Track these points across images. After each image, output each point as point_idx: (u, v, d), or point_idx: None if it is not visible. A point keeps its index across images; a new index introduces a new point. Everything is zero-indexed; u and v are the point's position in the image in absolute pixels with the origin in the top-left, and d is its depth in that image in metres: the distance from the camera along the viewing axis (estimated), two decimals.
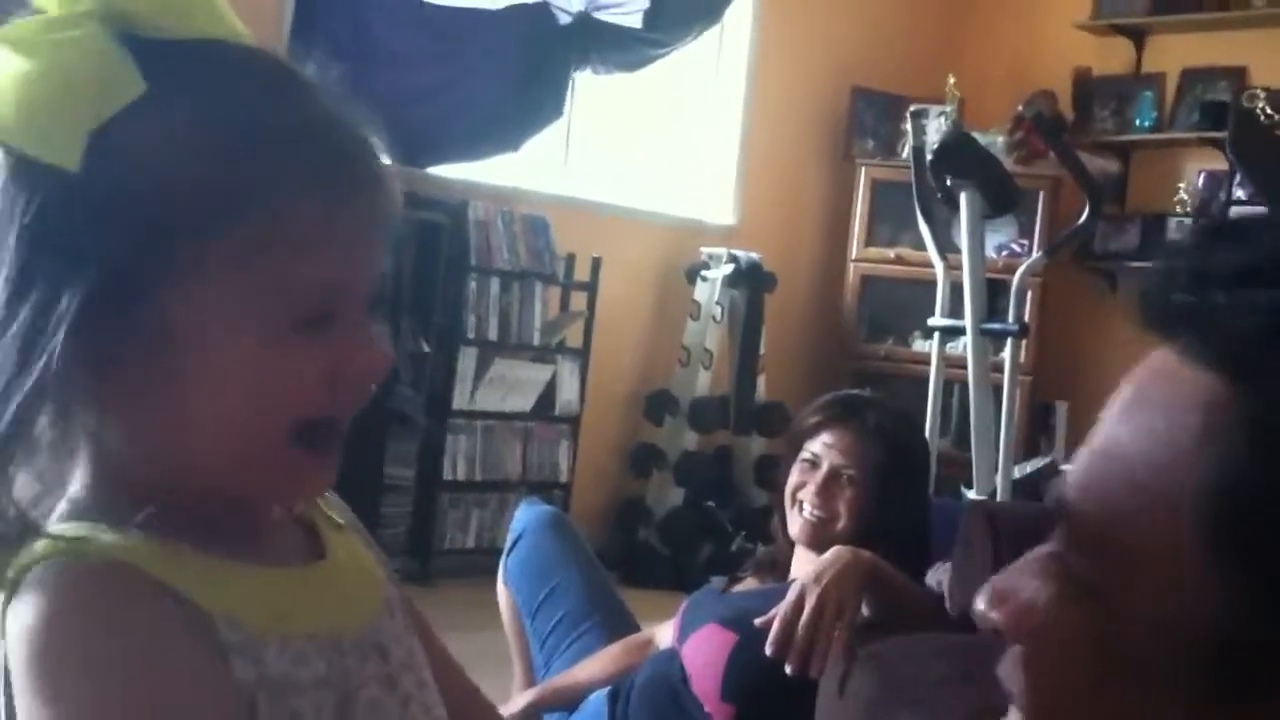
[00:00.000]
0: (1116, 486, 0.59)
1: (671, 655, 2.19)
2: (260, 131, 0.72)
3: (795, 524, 2.20)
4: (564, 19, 5.32)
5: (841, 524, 2.16)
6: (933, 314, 4.59)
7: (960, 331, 4.44)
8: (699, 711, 2.08)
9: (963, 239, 4.31)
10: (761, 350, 5.71)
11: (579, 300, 5.29)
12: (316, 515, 0.86)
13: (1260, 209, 5.44)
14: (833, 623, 1.83)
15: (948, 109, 5.79)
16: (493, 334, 4.97)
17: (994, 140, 5.72)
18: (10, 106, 0.69)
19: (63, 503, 0.74)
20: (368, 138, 0.77)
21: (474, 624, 2.97)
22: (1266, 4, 5.84)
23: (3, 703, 0.70)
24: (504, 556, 2.67)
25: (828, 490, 2.18)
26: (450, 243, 4.89)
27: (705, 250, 5.71)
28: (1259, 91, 5.58)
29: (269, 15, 4.52)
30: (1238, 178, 5.72)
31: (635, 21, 5.47)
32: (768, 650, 1.86)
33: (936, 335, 4.56)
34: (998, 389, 4.32)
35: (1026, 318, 5.02)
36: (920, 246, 5.04)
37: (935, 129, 5.46)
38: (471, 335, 4.91)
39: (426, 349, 4.86)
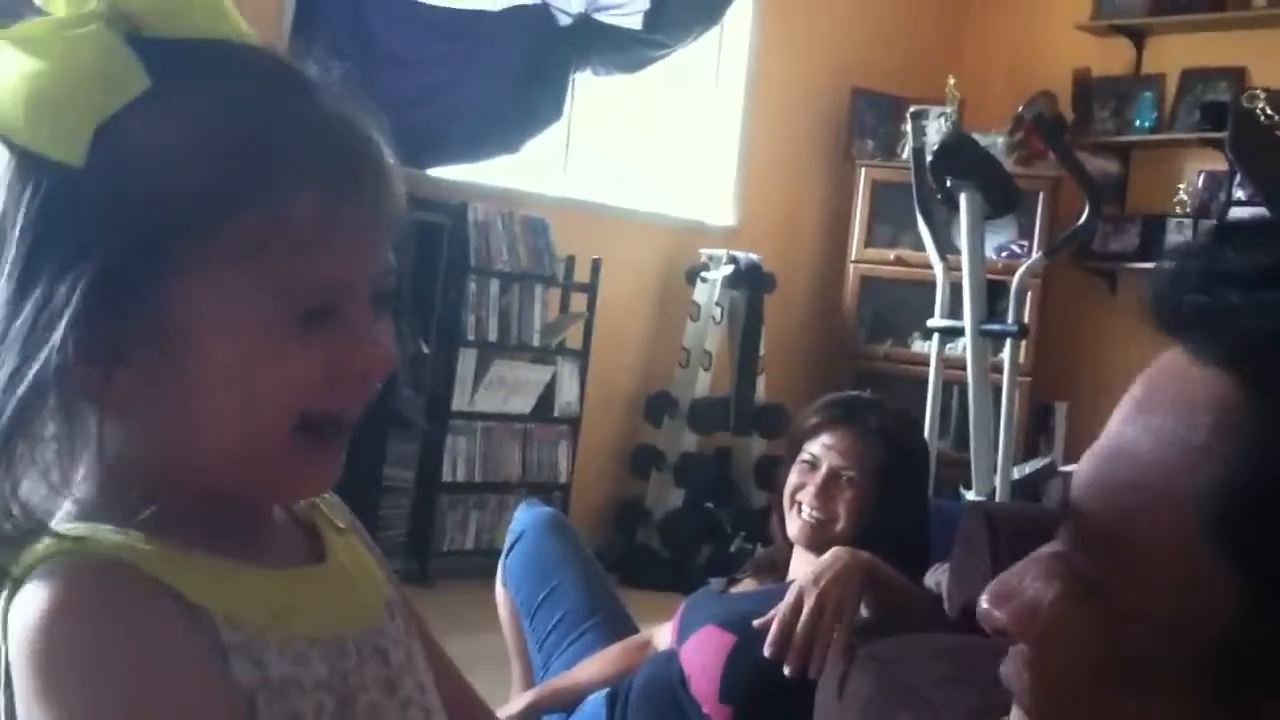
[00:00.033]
0: (1123, 486, 0.59)
1: (670, 656, 2.19)
2: (260, 131, 0.72)
3: (794, 525, 2.20)
4: (564, 20, 5.32)
5: (841, 525, 2.16)
6: (932, 315, 4.60)
7: (960, 332, 4.45)
8: (697, 713, 2.08)
9: (962, 240, 4.31)
10: (761, 351, 5.71)
11: (579, 302, 5.29)
12: (318, 518, 0.86)
13: (1260, 209, 5.45)
14: (831, 623, 1.83)
15: (948, 110, 5.79)
16: (492, 335, 4.97)
17: (994, 141, 5.73)
18: (19, 106, 0.70)
19: (68, 503, 0.75)
20: (371, 136, 0.77)
21: (473, 625, 2.97)
22: (1266, 4, 5.84)
23: (3, 702, 0.70)
24: (503, 558, 2.67)
25: (827, 491, 2.18)
26: (450, 244, 4.90)
27: (705, 251, 5.71)
28: (1259, 92, 5.58)
29: (270, 16, 4.52)
30: (1238, 178, 5.72)
31: (635, 23, 5.47)
32: (766, 651, 1.86)
33: (936, 336, 4.57)
34: (997, 390, 4.33)
35: (1026, 319, 5.02)
36: (920, 247, 5.05)
37: (935, 130, 5.46)
38: (471, 337, 4.91)
39: (426, 350, 4.87)
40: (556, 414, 5.17)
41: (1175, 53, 6.14)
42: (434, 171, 4.99)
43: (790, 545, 2.24)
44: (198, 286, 0.72)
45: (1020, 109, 5.91)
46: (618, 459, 5.65)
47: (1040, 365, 5.98)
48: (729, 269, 5.58)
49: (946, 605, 1.94)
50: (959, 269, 4.36)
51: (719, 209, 6.03)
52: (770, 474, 5.09)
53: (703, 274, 5.65)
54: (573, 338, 5.23)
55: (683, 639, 2.18)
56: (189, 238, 0.71)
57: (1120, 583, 0.59)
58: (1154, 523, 0.58)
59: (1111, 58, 6.31)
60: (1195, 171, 6.05)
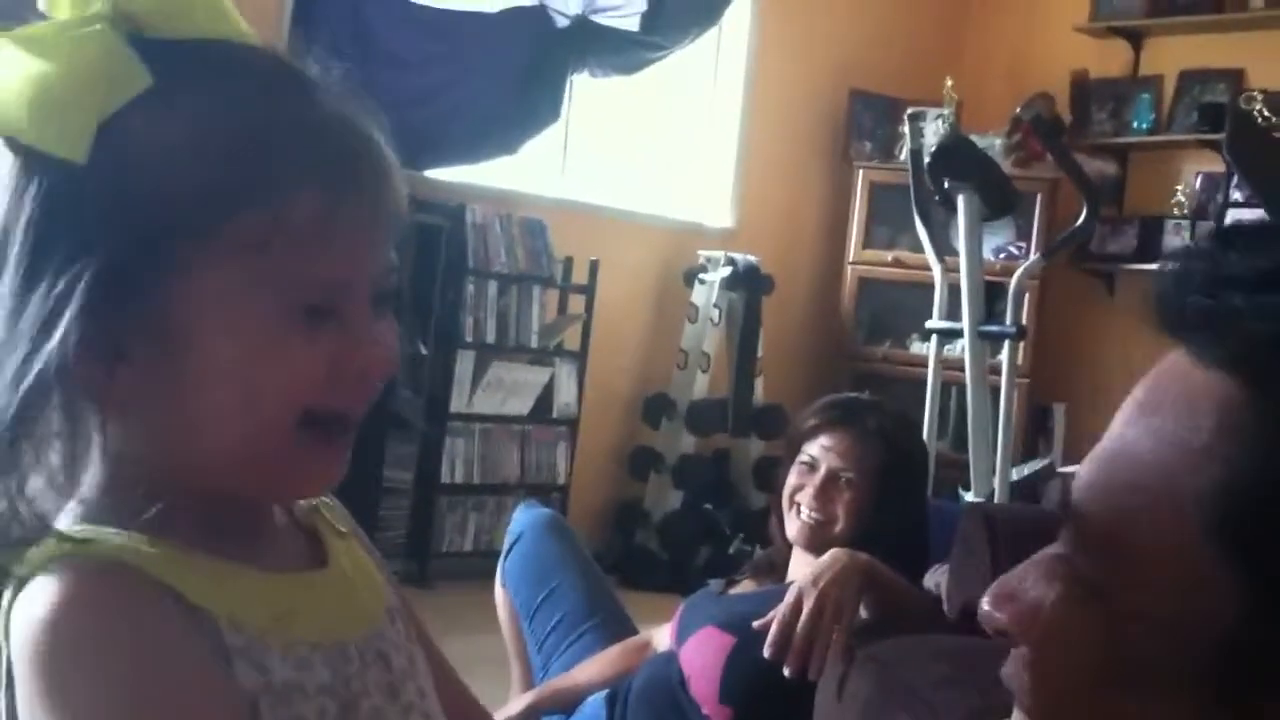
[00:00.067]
0: (1124, 487, 0.60)
1: (669, 658, 2.19)
2: (261, 130, 0.73)
3: (793, 526, 2.20)
4: (561, 22, 5.32)
5: (839, 526, 2.16)
6: (930, 316, 4.60)
7: (958, 334, 4.45)
8: (697, 714, 2.08)
9: (960, 241, 4.32)
10: (759, 353, 5.71)
11: (577, 303, 5.29)
12: (319, 522, 0.86)
13: (1258, 211, 5.45)
14: (831, 625, 1.83)
15: (945, 111, 5.80)
16: (491, 337, 4.97)
17: (992, 143, 5.73)
18: (24, 106, 0.71)
19: (73, 504, 0.75)
20: (371, 135, 0.77)
21: (472, 626, 2.97)
22: (1264, 6, 5.84)
23: (4, 702, 0.70)
24: (502, 559, 2.67)
25: (826, 493, 2.18)
26: (448, 246, 4.90)
27: (703, 253, 5.71)
28: (1256, 93, 5.59)
29: (270, 16, 4.52)
30: (1235, 180, 5.72)
31: (633, 24, 5.47)
32: (766, 652, 1.86)
33: (934, 337, 4.57)
34: (995, 391, 4.33)
35: (1024, 320, 5.02)
36: (918, 249, 5.05)
37: (933, 131, 5.47)
38: (469, 338, 4.91)
39: (424, 352, 4.87)
40: (555, 415, 5.17)
41: (1173, 54, 6.15)
42: (432, 173, 4.99)
43: (789, 546, 2.24)
44: (199, 285, 0.72)
45: (1018, 110, 5.93)
46: (616, 460, 5.65)
47: (1038, 366, 5.98)
48: (727, 270, 5.58)
49: (945, 606, 1.94)
50: (957, 270, 4.36)
51: (717, 210, 6.03)
52: (769, 475, 5.09)
53: (701, 275, 5.65)
54: (571, 339, 5.23)
55: (682, 640, 2.18)
56: (190, 238, 0.71)
57: (1121, 584, 0.59)
58: (1155, 524, 0.58)
59: (1109, 59, 6.31)
60: (1193, 173, 6.05)
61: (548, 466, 5.16)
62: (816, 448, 2.21)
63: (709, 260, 5.66)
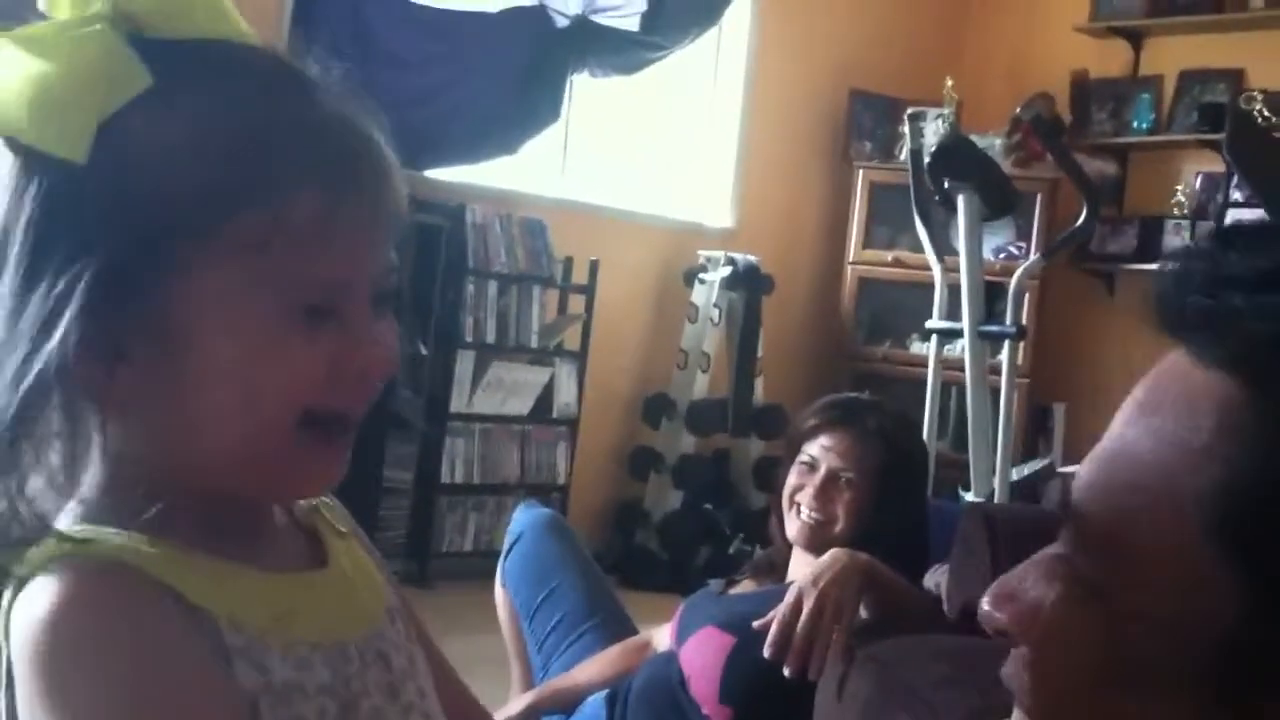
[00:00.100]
0: (1124, 487, 0.60)
1: (669, 658, 2.19)
2: (261, 130, 0.73)
3: (793, 526, 2.20)
4: (561, 22, 5.32)
5: (839, 526, 2.16)
6: (930, 316, 4.60)
7: (958, 334, 4.45)
8: (697, 714, 2.08)
9: (960, 241, 4.32)
10: (759, 353, 5.71)
11: (577, 303, 5.29)
12: (319, 522, 0.86)
13: (1258, 211, 5.45)
14: (831, 625, 1.83)
15: (945, 111, 5.80)
16: (491, 337, 4.97)
17: (992, 143, 5.73)
18: (24, 106, 0.71)
19: (73, 504, 0.75)
20: (371, 135, 0.77)
21: (472, 626, 2.97)
22: (1264, 6, 5.84)
23: (4, 702, 0.70)
24: (502, 559, 2.67)
25: (826, 493, 2.18)
26: (448, 246, 4.90)
27: (703, 253, 5.71)
28: (1256, 93, 5.59)
29: (270, 16, 4.53)
30: (1235, 180, 5.72)
31: (633, 24, 5.47)
32: (766, 652, 1.86)
33: (934, 337, 4.57)
34: (995, 391, 4.33)
35: (1024, 320, 5.03)
36: (918, 249, 5.05)
37: (933, 131, 5.47)
38: (469, 338, 4.91)
39: (424, 352, 4.87)
40: (555, 415, 5.17)
41: (1173, 54, 6.15)
42: (432, 173, 4.99)
43: (789, 546, 2.24)
44: (199, 285, 0.72)
45: (1018, 110, 5.93)
46: (616, 460, 5.65)
47: (1038, 366, 5.98)
48: (727, 270, 5.58)
49: (945, 606, 1.94)
50: (957, 270, 4.36)
51: (717, 210, 6.03)
52: (769, 475, 5.09)
53: (701, 275, 5.65)
54: (571, 339, 5.23)
55: (682, 640, 2.18)
56: (190, 238, 0.71)
57: (1121, 584, 0.59)
58: (1155, 524, 0.58)
59: (1109, 59, 6.31)
60: (1193, 173, 6.05)
61: (548, 466, 5.17)
62: (816, 448, 2.21)
63: (709, 260, 5.66)
